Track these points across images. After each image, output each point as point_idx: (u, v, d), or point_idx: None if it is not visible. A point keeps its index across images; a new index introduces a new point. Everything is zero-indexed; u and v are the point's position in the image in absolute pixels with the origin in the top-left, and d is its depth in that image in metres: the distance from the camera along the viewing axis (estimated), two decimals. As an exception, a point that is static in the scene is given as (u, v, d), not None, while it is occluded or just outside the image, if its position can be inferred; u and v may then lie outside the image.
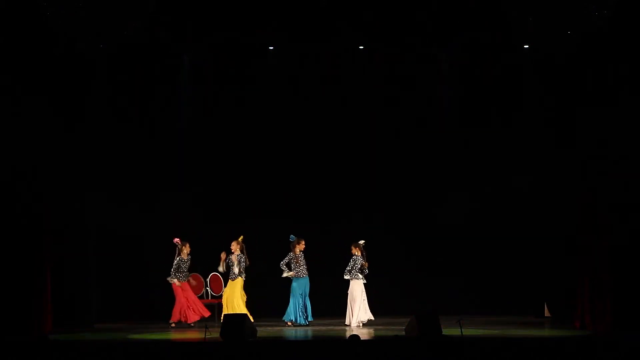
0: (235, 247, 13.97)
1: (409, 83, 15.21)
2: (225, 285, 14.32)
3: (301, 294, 14.09)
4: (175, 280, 14.11)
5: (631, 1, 12.25)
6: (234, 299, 13.81)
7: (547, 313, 14.93)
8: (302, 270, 14.14)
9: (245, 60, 14.98)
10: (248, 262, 13.92)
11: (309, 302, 14.15)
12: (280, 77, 15.02)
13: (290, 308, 14.10)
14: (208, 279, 14.89)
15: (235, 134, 15.37)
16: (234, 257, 13.89)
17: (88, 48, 12.44)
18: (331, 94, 15.29)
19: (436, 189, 15.60)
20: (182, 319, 14.11)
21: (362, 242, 14.01)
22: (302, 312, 14.08)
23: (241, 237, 14.05)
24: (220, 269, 14.13)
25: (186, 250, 14.20)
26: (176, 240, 14.19)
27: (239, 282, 13.90)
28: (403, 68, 15.11)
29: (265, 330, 13.09)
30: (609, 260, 12.47)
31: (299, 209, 15.36)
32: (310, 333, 13.12)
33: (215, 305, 14.65)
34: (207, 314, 14.19)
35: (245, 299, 13.91)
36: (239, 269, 13.87)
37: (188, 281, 14.30)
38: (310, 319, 14.13)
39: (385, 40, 14.36)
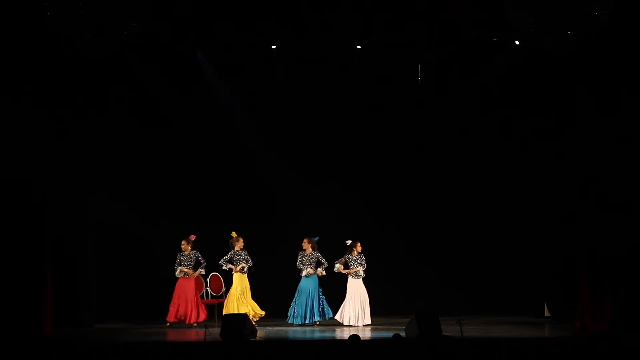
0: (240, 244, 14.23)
1: (404, 83, 15.20)
2: (224, 285, 14.43)
3: (305, 294, 14.12)
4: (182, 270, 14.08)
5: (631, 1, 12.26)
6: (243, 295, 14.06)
7: (547, 313, 14.92)
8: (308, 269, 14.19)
9: (246, 60, 14.93)
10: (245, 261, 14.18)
11: (311, 302, 14.07)
12: (281, 77, 14.99)
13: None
14: (208, 279, 14.89)
15: (235, 133, 15.36)
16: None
17: (88, 48, 12.42)
18: (330, 94, 15.26)
19: (436, 190, 15.59)
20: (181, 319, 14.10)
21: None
22: (303, 311, 14.05)
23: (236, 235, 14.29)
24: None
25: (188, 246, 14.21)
26: (192, 237, 14.24)
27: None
28: (398, 68, 15.07)
29: (265, 330, 13.10)
30: (609, 260, 12.47)
31: (300, 211, 15.36)
32: (310, 333, 13.12)
33: (215, 305, 14.65)
34: (193, 319, 14.04)
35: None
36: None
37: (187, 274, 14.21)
38: (315, 319, 14.01)
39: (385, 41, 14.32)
